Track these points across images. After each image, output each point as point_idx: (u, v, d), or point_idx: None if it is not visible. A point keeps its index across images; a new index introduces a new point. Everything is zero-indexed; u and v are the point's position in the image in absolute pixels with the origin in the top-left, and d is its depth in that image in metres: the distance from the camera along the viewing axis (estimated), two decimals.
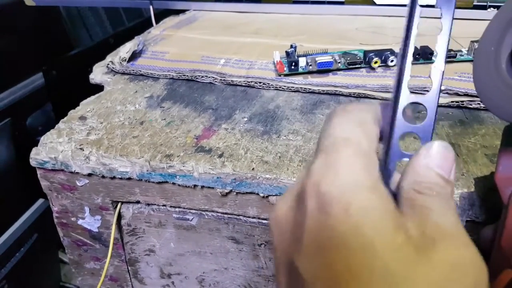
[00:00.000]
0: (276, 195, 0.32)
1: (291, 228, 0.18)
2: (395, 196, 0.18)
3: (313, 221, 0.16)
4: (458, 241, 0.16)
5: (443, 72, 0.19)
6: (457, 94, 0.40)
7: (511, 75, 0.19)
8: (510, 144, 0.22)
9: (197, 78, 0.46)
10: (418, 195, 0.17)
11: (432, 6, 0.20)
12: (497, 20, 0.20)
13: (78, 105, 0.42)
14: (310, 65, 0.45)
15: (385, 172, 0.18)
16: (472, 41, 0.46)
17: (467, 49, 0.47)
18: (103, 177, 0.35)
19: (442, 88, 0.40)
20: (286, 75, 0.45)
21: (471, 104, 0.39)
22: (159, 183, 0.34)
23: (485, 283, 0.15)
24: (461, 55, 0.47)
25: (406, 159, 0.18)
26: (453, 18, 0.19)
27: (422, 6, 0.20)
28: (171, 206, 0.36)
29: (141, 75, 0.48)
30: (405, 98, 0.18)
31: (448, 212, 0.17)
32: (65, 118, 0.40)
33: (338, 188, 0.16)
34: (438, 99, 0.19)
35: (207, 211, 0.36)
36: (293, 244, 0.17)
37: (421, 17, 0.20)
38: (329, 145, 0.17)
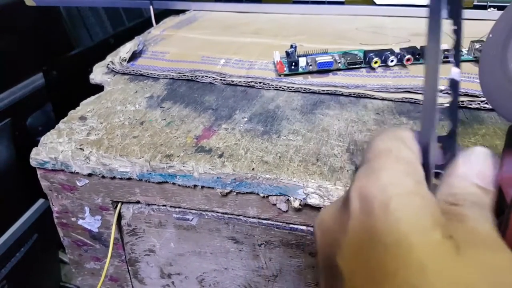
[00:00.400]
0: (276, 195, 0.32)
1: (335, 230, 0.18)
2: None
3: (356, 221, 0.17)
4: (495, 245, 0.16)
5: (459, 82, 0.20)
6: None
7: None
8: None
9: (197, 78, 0.47)
10: (452, 207, 0.17)
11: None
12: (504, 20, 0.20)
13: (78, 105, 0.42)
14: (310, 65, 0.45)
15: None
16: (472, 41, 0.46)
17: (467, 49, 0.47)
18: (103, 177, 0.35)
19: (442, 88, 0.40)
20: (286, 75, 0.45)
21: (471, 104, 0.39)
22: (159, 183, 0.34)
23: None
24: (461, 55, 0.47)
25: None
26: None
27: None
28: (171, 206, 0.36)
29: (141, 75, 0.48)
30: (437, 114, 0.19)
31: (483, 220, 0.17)
32: (65, 118, 0.40)
33: (379, 189, 0.16)
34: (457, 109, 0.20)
35: (207, 211, 0.36)
36: (336, 244, 0.18)
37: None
38: (371, 156, 0.18)
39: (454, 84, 0.20)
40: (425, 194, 0.16)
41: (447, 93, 0.21)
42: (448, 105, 0.20)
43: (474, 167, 0.18)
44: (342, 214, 0.18)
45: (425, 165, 0.19)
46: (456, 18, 0.19)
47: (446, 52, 0.49)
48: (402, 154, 0.18)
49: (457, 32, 0.20)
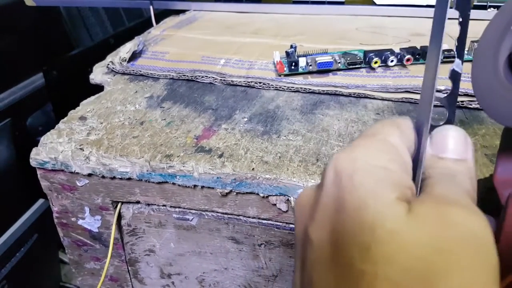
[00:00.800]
0: (276, 195, 0.32)
1: (310, 204, 0.19)
2: None
3: (326, 193, 0.17)
4: (445, 200, 0.16)
5: (460, 74, 0.20)
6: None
7: (509, 79, 0.19)
8: (508, 146, 0.22)
9: (197, 78, 0.47)
10: (424, 182, 0.18)
11: (433, 6, 0.20)
12: (495, 23, 0.20)
13: (78, 105, 0.42)
14: (310, 65, 0.45)
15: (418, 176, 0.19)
16: (472, 41, 0.46)
17: (467, 49, 0.47)
18: (103, 177, 0.35)
19: (442, 88, 0.41)
20: (286, 75, 0.45)
21: (471, 104, 0.39)
22: (159, 183, 0.34)
23: (485, 246, 0.15)
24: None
25: None
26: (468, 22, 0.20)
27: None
28: (171, 206, 0.36)
29: (141, 75, 0.48)
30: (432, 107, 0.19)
31: (446, 184, 0.17)
32: (65, 118, 0.40)
33: (349, 162, 0.17)
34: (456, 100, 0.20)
35: (207, 211, 0.36)
36: (309, 217, 0.18)
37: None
38: (357, 138, 0.19)
39: (455, 75, 0.20)
40: (393, 168, 0.17)
41: (446, 93, 0.21)
42: (447, 95, 0.20)
43: (439, 144, 0.19)
44: (317, 189, 0.19)
45: (418, 151, 0.19)
46: (463, 10, 0.19)
47: (446, 52, 0.49)
48: (388, 137, 0.18)
49: (463, 24, 0.20)
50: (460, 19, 0.20)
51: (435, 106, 0.19)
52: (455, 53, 0.20)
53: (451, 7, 0.19)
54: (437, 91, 0.19)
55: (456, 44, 0.20)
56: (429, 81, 0.19)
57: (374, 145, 0.18)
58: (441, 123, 0.20)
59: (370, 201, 0.16)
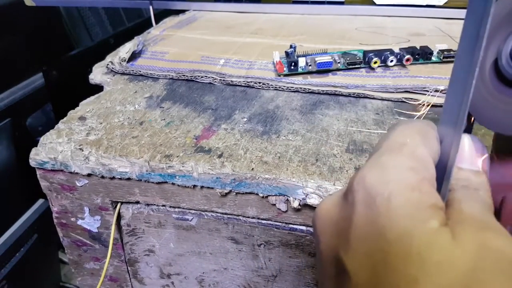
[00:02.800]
0: (275, 195, 0.32)
1: (339, 220, 0.18)
2: None
3: (360, 215, 0.17)
4: (480, 223, 0.16)
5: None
6: None
7: (495, 85, 0.19)
8: (499, 150, 0.22)
9: (196, 78, 0.47)
10: (450, 193, 0.18)
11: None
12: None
13: (78, 105, 0.42)
14: (310, 65, 0.45)
15: (443, 191, 0.19)
16: None
17: None
18: (102, 177, 0.35)
19: (441, 88, 0.40)
20: (285, 75, 0.45)
21: None
22: (158, 183, 0.34)
23: None
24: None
25: None
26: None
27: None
28: (170, 206, 0.36)
29: (141, 75, 0.48)
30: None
31: (471, 199, 0.17)
32: (65, 119, 0.40)
33: (382, 184, 0.16)
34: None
35: (206, 211, 0.36)
36: (339, 238, 0.18)
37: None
38: (385, 148, 0.18)
39: None
40: (425, 189, 0.16)
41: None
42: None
43: (460, 154, 0.19)
44: (345, 204, 0.18)
45: (443, 161, 0.19)
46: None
47: (445, 52, 0.49)
48: (416, 150, 0.18)
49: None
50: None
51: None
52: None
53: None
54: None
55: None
56: (461, 86, 0.17)
57: (404, 162, 0.17)
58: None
59: (412, 229, 0.15)
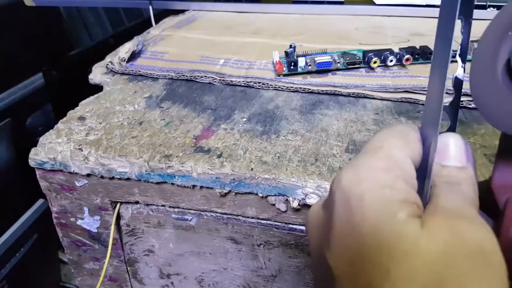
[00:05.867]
0: (275, 195, 0.32)
1: (322, 224, 0.19)
2: None
3: (338, 215, 0.18)
4: (453, 213, 0.17)
5: (463, 82, 0.20)
6: None
7: (507, 84, 0.19)
8: (506, 150, 0.22)
9: (196, 78, 0.46)
10: (432, 190, 0.19)
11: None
12: (494, 27, 0.20)
13: (78, 106, 0.42)
14: (309, 65, 0.45)
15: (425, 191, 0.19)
16: (472, 41, 0.46)
17: None
18: (102, 177, 0.35)
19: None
20: (285, 75, 0.45)
21: (470, 104, 0.39)
22: (158, 183, 0.34)
23: (493, 259, 0.15)
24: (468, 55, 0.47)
25: None
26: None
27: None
28: (170, 207, 0.36)
29: (140, 75, 0.48)
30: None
31: (452, 194, 0.18)
32: (64, 119, 0.40)
33: (355, 183, 0.17)
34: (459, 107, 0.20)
35: (206, 211, 0.36)
36: (324, 238, 0.19)
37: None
38: (362, 151, 0.19)
39: (457, 83, 0.20)
40: (397, 186, 0.17)
41: (446, 93, 0.21)
42: (449, 103, 0.20)
43: (441, 151, 0.19)
44: (327, 206, 0.19)
45: (426, 160, 0.19)
46: (466, 18, 0.19)
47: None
48: (390, 152, 0.18)
49: (465, 32, 0.19)
50: (462, 26, 0.20)
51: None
52: (459, 59, 0.20)
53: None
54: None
55: (459, 52, 0.20)
56: (436, 89, 0.19)
57: (378, 162, 0.18)
58: (443, 131, 0.20)
59: (382, 223, 0.16)
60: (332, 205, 0.18)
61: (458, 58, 0.20)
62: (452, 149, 0.19)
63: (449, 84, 0.20)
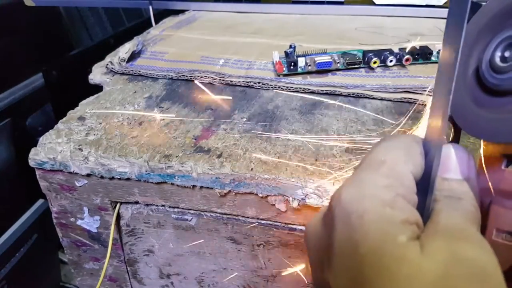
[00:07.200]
0: (275, 195, 0.32)
1: (321, 238, 0.19)
2: None
3: (338, 233, 0.17)
4: (453, 233, 0.16)
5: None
6: None
7: (476, 93, 0.19)
8: (487, 155, 0.21)
9: (196, 78, 0.46)
10: (434, 204, 0.18)
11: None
12: (469, 30, 0.20)
13: (78, 106, 0.42)
14: (309, 65, 0.45)
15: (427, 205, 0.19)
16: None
17: None
18: (102, 177, 0.35)
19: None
20: (285, 75, 0.45)
21: None
22: (158, 183, 0.34)
23: (493, 280, 0.15)
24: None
25: None
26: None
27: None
28: (170, 207, 0.36)
29: (140, 75, 0.48)
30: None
31: (451, 210, 0.18)
32: (64, 119, 0.40)
33: (357, 201, 0.17)
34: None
35: (206, 211, 0.36)
36: (323, 253, 0.19)
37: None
38: (365, 164, 0.19)
39: None
40: (398, 205, 0.17)
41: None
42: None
43: (442, 164, 0.19)
44: (326, 221, 0.19)
45: (428, 173, 0.19)
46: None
47: None
48: (394, 167, 0.18)
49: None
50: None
51: None
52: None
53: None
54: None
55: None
56: (439, 103, 0.18)
57: (379, 180, 0.18)
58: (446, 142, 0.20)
59: (383, 245, 0.16)
60: (332, 220, 0.18)
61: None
62: (453, 162, 0.19)
63: None
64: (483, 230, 0.20)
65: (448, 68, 0.17)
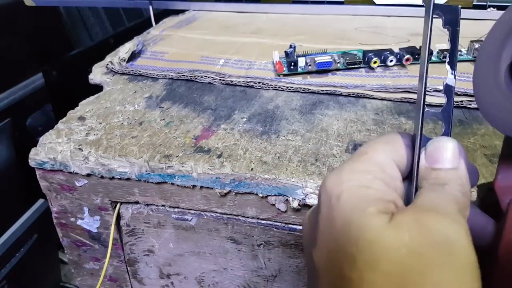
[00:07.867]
0: (275, 195, 0.32)
1: (312, 225, 0.20)
2: None
3: (322, 215, 0.19)
4: (424, 208, 0.17)
5: (454, 87, 0.20)
6: (457, 94, 0.40)
7: (510, 88, 0.19)
8: (509, 153, 0.22)
9: (196, 78, 0.46)
10: (417, 193, 0.19)
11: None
12: (496, 31, 0.20)
13: (78, 106, 0.42)
14: (309, 65, 0.45)
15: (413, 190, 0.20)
16: (472, 41, 0.46)
17: (466, 49, 0.47)
18: (102, 177, 0.35)
19: (440, 88, 0.40)
20: (285, 75, 0.45)
21: (470, 104, 0.39)
22: (158, 183, 0.34)
23: (458, 248, 0.16)
24: (460, 55, 0.47)
25: None
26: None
27: (421, 6, 0.21)
28: (170, 207, 0.36)
29: (140, 75, 0.48)
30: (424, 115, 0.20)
31: (430, 192, 0.18)
32: (64, 119, 0.40)
33: (336, 183, 0.19)
34: (452, 113, 0.21)
35: (206, 211, 0.36)
36: (312, 240, 0.20)
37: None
38: (348, 159, 0.20)
39: (449, 89, 0.20)
40: (375, 186, 0.18)
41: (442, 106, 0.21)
42: (441, 109, 0.21)
43: (432, 156, 0.20)
44: (316, 211, 0.20)
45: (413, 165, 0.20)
46: (453, 28, 0.20)
47: (445, 52, 0.49)
48: (373, 157, 0.19)
49: (453, 41, 0.20)
50: (450, 37, 0.20)
51: (431, 117, 0.19)
52: (448, 67, 0.20)
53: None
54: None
55: (448, 60, 0.20)
56: (418, 97, 0.20)
57: (359, 166, 0.19)
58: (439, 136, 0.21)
59: (353, 217, 0.17)
60: (319, 206, 0.19)
61: (447, 66, 0.20)
62: (441, 153, 0.20)
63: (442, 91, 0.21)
64: (501, 229, 0.20)
65: (421, 67, 0.19)
